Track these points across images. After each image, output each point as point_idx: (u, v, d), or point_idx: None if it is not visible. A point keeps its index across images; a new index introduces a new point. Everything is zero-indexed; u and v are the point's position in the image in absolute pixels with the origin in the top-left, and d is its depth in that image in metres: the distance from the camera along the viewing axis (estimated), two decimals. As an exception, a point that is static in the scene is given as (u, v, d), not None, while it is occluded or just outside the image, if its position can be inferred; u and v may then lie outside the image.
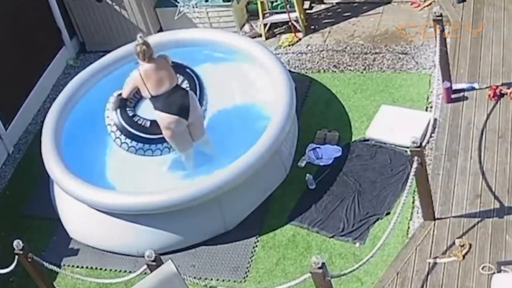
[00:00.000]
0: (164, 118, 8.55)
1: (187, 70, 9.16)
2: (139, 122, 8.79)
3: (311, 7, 11.50)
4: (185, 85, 8.95)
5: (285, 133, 8.78)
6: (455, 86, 9.08)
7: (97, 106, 9.35)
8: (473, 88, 9.11)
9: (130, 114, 8.85)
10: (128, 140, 8.72)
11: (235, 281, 8.11)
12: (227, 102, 9.58)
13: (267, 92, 9.36)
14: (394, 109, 9.30)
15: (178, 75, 8.86)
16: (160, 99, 8.50)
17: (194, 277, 7.67)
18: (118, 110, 8.84)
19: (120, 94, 8.91)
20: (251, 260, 8.25)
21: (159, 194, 8.38)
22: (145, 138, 8.74)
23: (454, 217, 7.78)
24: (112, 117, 8.84)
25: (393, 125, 9.05)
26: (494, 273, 7.09)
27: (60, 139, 9.34)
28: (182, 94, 8.59)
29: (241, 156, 8.48)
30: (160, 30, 11.53)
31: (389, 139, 8.99)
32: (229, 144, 9.01)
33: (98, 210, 8.64)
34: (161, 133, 8.69)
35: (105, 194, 8.57)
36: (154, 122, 8.72)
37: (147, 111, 8.95)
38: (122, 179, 9.07)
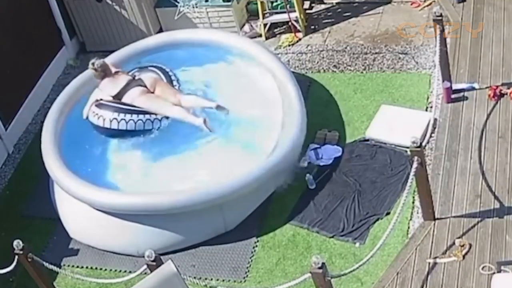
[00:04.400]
0: (138, 90, 9.29)
1: (149, 67, 9.75)
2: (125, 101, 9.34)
3: (311, 7, 11.51)
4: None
5: (293, 154, 8.79)
6: (455, 86, 9.08)
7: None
8: (473, 88, 9.11)
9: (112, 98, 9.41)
10: (130, 116, 9.10)
11: (235, 281, 8.11)
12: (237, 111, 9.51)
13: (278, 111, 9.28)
14: (394, 109, 9.30)
15: (143, 73, 9.62)
16: (122, 92, 9.35)
17: (194, 277, 7.67)
18: (104, 101, 9.31)
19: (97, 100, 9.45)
20: (251, 260, 8.26)
21: (162, 195, 8.41)
22: (139, 110, 9.20)
23: (454, 217, 7.77)
24: (102, 111, 9.22)
25: (393, 125, 9.05)
26: (494, 273, 7.08)
27: (60, 139, 9.36)
28: (137, 80, 9.47)
29: (250, 171, 8.48)
30: (160, 30, 11.54)
31: (389, 139, 8.99)
32: (234, 150, 9.00)
33: (98, 210, 8.65)
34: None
35: (106, 194, 8.58)
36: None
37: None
38: (122, 177, 9.09)
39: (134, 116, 9.14)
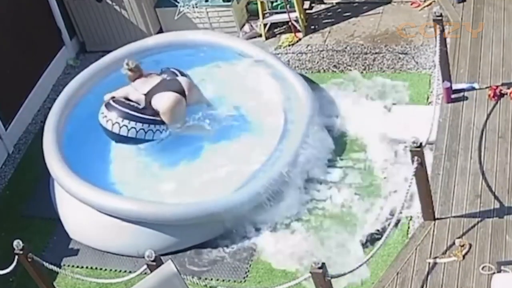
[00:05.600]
0: (169, 97, 9.05)
1: (171, 69, 9.54)
2: (133, 105, 9.20)
3: (311, 7, 11.51)
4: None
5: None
6: (455, 86, 9.08)
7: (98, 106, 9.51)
8: (473, 88, 9.10)
9: (122, 99, 9.29)
10: (134, 124, 9.00)
11: (235, 281, 8.11)
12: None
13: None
14: (398, 107, 9.29)
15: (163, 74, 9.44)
16: (154, 90, 9.11)
17: (194, 277, 7.66)
18: (113, 102, 9.19)
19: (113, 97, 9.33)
20: (251, 260, 8.25)
21: (164, 206, 8.45)
22: (144, 118, 9.07)
23: (454, 217, 7.77)
24: (109, 113, 9.11)
25: (400, 121, 9.03)
26: (494, 273, 7.08)
27: (61, 138, 9.36)
28: (173, 81, 9.21)
29: (257, 178, 8.50)
30: (160, 30, 11.55)
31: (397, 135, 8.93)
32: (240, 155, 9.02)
33: (99, 211, 8.65)
34: (153, 115, 9.13)
35: (107, 198, 8.60)
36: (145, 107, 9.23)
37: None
38: (123, 178, 9.09)
39: (139, 125, 9.01)
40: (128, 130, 9.01)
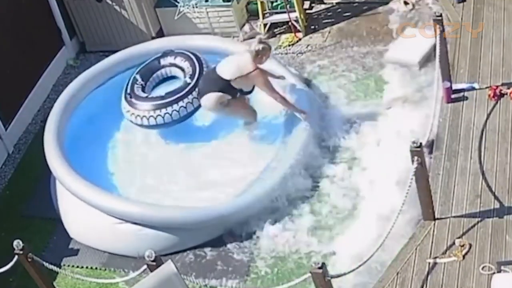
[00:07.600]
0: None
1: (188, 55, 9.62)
2: (154, 95, 9.46)
3: (311, 7, 11.50)
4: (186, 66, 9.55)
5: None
6: (455, 86, 9.07)
7: (100, 106, 9.68)
8: (473, 88, 9.10)
9: (144, 95, 9.45)
10: (168, 109, 9.12)
11: (235, 281, 8.10)
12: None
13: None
14: None
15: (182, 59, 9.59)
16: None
17: (194, 277, 7.66)
18: (134, 99, 9.32)
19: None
20: (251, 260, 8.24)
21: (178, 209, 8.46)
22: (169, 101, 9.18)
23: (454, 217, 7.77)
24: (140, 110, 9.22)
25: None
26: (494, 273, 7.08)
27: (62, 138, 9.37)
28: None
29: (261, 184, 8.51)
30: (160, 30, 11.55)
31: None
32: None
33: (100, 211, 8.65)
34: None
35: (108, 200, 8.62)
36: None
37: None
38: (124, 178, 9.10)
39: (169, 109, 9.13)
40: (171, 113, 9.14)
